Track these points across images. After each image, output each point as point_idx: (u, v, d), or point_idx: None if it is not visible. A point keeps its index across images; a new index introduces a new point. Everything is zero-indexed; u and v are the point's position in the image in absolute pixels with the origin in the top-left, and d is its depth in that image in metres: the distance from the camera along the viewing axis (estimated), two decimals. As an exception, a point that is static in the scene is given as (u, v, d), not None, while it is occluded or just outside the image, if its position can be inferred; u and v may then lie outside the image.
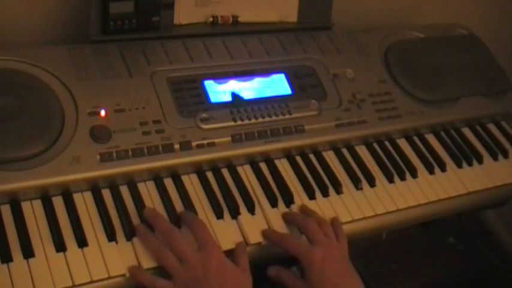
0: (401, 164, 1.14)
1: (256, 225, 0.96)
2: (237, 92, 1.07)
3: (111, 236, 0.87)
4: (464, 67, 1.32)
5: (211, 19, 1.15)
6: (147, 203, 0.93)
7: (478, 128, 1.30)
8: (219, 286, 0.83)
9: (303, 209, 1.00)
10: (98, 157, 0.92)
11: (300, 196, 1.02)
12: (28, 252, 0.82)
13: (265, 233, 0.95)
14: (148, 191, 0.95)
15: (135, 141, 0.95)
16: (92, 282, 0.82)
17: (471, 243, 2.01)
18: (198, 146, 0.99)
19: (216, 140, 1.01)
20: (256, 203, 0.98)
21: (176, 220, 0.92)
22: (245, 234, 0.94)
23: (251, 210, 0.97)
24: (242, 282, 0.87)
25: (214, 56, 1.11)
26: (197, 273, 0.83)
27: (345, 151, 1.12)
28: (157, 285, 0.84)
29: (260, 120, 1.06)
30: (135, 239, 0.88)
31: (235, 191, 0.99)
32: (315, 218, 0.97)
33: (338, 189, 1.05)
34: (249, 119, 1.05)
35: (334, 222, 0.99)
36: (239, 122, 1.04)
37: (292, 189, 1.02)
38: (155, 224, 0.89)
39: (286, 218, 0.98)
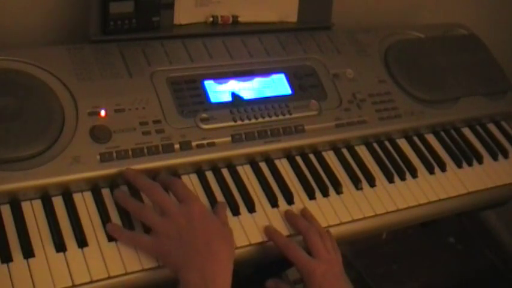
0: (401, 164, 1.14)
1: (256, 225, 0.96)
2: (237, 92, 1.07)
3: (112, 236, 0.87)
4: (464, 67, 1.32)
5: (211, 19, 1.15)
6: (147, 202, 0.93)
7: (478, 128, 1.30)
8: (203, 233, 0.84)
9: (304, 214, 0.99)
10: (98, 157, 0.92)
11: (300, 196, 1.02)
12: (28, 252, 0.82)
13: (269, 232, 0.95)
14: (149, 191, 0.95)
15: (135, 141, 0.95)
16: (92, 282, 0.82)
17: (471, 243, 2.01)
18: (198, 146, 0.99)
19: (216, 140, 1.01)
20: (256, 203, 0.98)
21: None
22: (245, 234, 0.94)
23: (251, 210, 0.97)
24: (224, 230, 0.88)
25: (214, 56, 1.11)
26: (180, 222, 0.85)
27: (345, 151, 1.12)
28: (138, 240, 0.86)
29: (260, 120, 1.06)
30: (135, 239, 0.88)
31: (235, 191, 0.99)
32: (317, 229, 0.96)
33: (338, 189, 1.05)
34: (249, 119, 1.05)
35: (329, 236, 0.98)
36: (239, 122, 1.04)
37: (292, 189, 1.02)
38: (135, 181, 0.90)
39: (289, 220, 0.98)
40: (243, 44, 1.15)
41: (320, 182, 1.05)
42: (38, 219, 0.86)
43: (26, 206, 0.87)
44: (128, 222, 0.89)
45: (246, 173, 1.03)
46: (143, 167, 0.94)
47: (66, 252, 0.84)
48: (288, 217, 0.98)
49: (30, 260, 0.82)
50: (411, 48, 1.31)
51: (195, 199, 0.89)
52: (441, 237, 1.99)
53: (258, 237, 0.94)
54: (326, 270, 0.91)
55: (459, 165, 1.19)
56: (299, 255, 0.92)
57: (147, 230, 0.88)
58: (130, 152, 0.94)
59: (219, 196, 0.97)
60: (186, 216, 0.85)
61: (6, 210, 0.86)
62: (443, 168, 1.17)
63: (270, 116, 1.07)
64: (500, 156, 1.25)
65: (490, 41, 1.42)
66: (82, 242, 0.85)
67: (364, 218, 1.03)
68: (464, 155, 1.21)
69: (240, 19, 1.17)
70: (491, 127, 1.32)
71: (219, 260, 0.84)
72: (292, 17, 1.23)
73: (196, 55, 1.09)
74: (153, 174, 0.96)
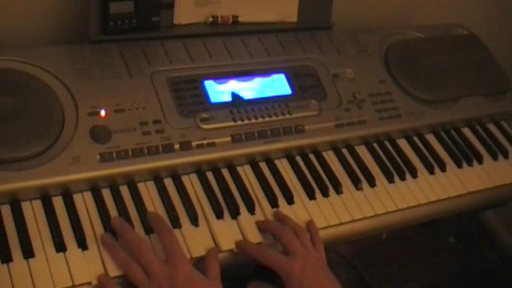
0: (401, 164, 1.14)
1: (256, 225, 0.96)
2: (237, 92, 1.07)
3: (111, 236, 0.87)
4: (464, 67, 1.32)
5: (211, 19, 1.15)
6: (147, 203, 0.93)
7: (478, 128, 1.30)
8: None
9: (277, 215, 0.98)
10: (98, 157, 0.92)
11: (300, 196, 1.02)
12: (28, 252, 0.82)
13: (239, 245, 0.92)
14: (148, 191, 0.95)
15: (135, 141, 0.95)
16: (91, 282, 0.82)
17: (471, 243, 2.01)
18: (198, 146, 0.99)
19: (216, 140, 1.01)
20: (256, 203, 0.98)
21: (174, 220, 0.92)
22: (245, 234, 0.94)
23: (251, 210, 0.97)
24: None
25: (214, 56, 1.11)
26: (163, 287, 0.81)
27: (345, 151, 1.12)
28: None
29: (260, 120, 1.06)
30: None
31: (235, 191, 0.99)
32: (290, 226, 0.94)
33: (338, 189, 1.05)
34: (249, 119, 1.05)
35: (311, 228, 0.97)
36: (239, 122, 1.04)
37: (292, 189, 1.02)
38: (121, 234, 0.86)
39: (261, 227, 0.96)
40: (243, 44, 1.15)
41: (320, 182, 1.05)
42: (38, 219, 0.86)
43: (26, 206, 0.87)
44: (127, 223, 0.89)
45: (246, 173, 1.03)
46: (143, 167, 0.94)
47: (66, 252, 0.84)
48: (258, 225, 0.96)
49: (30, 260, 0.82)
50: (411, 48, 1.31)
51: (181, 258, 0.84)
52: (441, 237, 2.00)
53: (258, 238, 0.94)
54: (304, 266, 0.89)
55: (459, 165, 1.19)
56: (273, 257, 0.90)
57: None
58: (130, 152, 0.94)
59: (219, 196, 0.97)
60: (169, 279, 0.81)
61: (6, 210, 0.86)
62: (443, 168, 1.17)
63: (270, 116, 1.07)
64: (500, 156, 1.25)
65: (490, 41, 1.42)
66: (82, 242, 0.85)
67: (364, 218, 1.03)
68: (464, 155, 1.21)
69: (240, 19, 1.17)
70: (491, 127, 1.32)
71: None
72: (292, 17, 1.23)
73: (196, 55, 1.09)
74: (153, 174, 0.96)
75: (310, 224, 0.98)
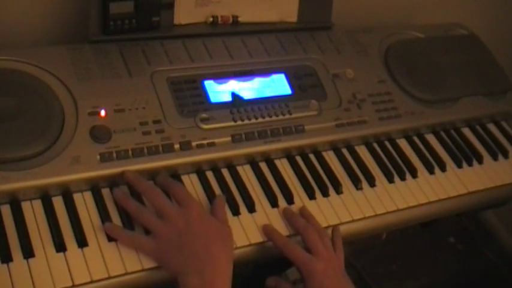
0: (401, 164, 1.14)
1: (256, 225, 0.96)
2: (237, 92, 1.07)
3: (111, 236, 0.87)
4: (464, 67, 1.32)
5: (211, 19, 1.15)
6: (147, 202, 0.93)
7: (478, 128, 1.30)
8: (202, 236, 0.85)
9: (303, 212, 0.99)
10: (98, 157, 0.92)
11: (300, 196, 1.02)
12: (28, 252, 0.82)
13: (267, 231, 0.94)
14: (149, 191, 0.95)
15: (135, 141, 0.95)
16: (92, 282, 0.82)
17: (471, 243, 2.01)
18: (198, 146, 0.99)
19: (216, 140, 1.01)
20: (256, 203, 0.98)
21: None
22: (245, 234, 0.94)
23: (251, 210, 0.97)
24: (222, 232, 0.89)
25: (214, 56, 1.11)
26: (179, 225, 0.85)
27: (345, 151, 1.12)
28: (138, 242, 0.86)
29: (260, 120, 1.06)
30: (135, 239, 0.88)
31: (235, 191, 0.99)
32: (315, 227, 0.96)
33: (338, 189, 1.05)
34: (249, 119, 1.05)
35: (335, 233, 0.98)
36: (239, 122, 1.04)
37: (292, 189, 1.02)
38: (135, 184, 0.91)
39: (287, 218, 0.98)
40: (243, 44, 1.15)
41: (320, 182, 1.05)
42: (38, 219, 0.86)
43: (26, 206, 0.87)
44: (127, 222, 0.89)
45: (246, 173, 1.03)
46: (143, 167, 0.94)
47: (66, 252, 0.84)
48: (286, 215, 0.98)
49: (30, 260, 0.82)
50: (411, 48, 1.31)
51: (194, 202, 0.89)
52: (441, 237, 2.00)
53: (257, 237, 0.94)
54: (326, 268, 0.91)
55: (459, 165, 1.19)
56: (298, 254, 0.92)
57: (147, 232, 0.88)
58: (130, 152, 0.94)
59: (219, 196, 0.98)
60: (184, 220, 0.86)
61: (6, 210, 0.86)
62: (443, 168, 1.17)
63: (270, 116, 1.07)
64: (500, 156, 1.25)
65: (490, 41, 1.42)
66: (82, 242, 0.85)
67: (364, 218, 1.03)
68: (464, 155, 1.21)
69: (240, 19, 1.17)
70: (491, 127, 1.32)
71: (218, 263, 0.84)
72: (292, 17, 1.23)
73: (196, 55, 1.09)
74: (153, 174, 0.96)
75: (335, 229, 0.99)
